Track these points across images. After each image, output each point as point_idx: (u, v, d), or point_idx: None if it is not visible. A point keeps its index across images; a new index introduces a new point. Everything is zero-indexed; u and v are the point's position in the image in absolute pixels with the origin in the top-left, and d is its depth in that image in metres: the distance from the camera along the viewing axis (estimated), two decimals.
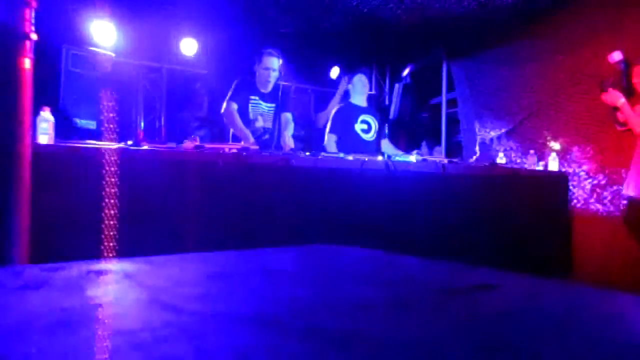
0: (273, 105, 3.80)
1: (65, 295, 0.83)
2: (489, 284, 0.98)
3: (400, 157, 3.33)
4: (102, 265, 1.10)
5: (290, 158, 2.76)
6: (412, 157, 3.31)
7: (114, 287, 0.93)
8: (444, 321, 0.72)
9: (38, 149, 2.02)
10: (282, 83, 3.99)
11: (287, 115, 3.85)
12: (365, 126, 4.10)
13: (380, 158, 3.22)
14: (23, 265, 1.77)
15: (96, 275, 0.99)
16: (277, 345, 0.59)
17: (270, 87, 3.78)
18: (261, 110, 3.76)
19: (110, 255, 1.96)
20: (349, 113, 4.07)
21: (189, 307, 0.76)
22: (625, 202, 3.59)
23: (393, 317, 0.74)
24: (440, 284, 0.99)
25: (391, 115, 6.32)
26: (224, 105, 3.68)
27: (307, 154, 2.97)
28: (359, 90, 4.16)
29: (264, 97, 3.78)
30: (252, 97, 3.73)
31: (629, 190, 3.50)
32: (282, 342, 0.60)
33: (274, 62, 3.72)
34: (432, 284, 1.01)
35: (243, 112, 3.69)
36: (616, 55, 3.53)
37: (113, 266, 1.10)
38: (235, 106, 3.65)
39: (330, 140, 4.02)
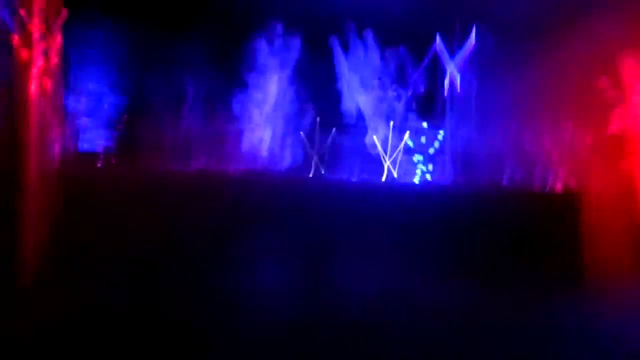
0: None
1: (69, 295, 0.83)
2: (490, 288, 0.98)
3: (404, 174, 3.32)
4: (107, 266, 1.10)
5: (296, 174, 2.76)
6: (416, 172, 3.32)
7: (115, 286, 0.93)
8: (445, 321, 0.72)
9: (64, 155, 2.01)
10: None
11: None
12: None
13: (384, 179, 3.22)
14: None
15: (97, 275, 0.99)
16: (275, 345, 0.59)
17: None
18: None
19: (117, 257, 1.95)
20: None
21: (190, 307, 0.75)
22: None
23: (393, 317, 0.74)
24: (443, 285, 0.99)
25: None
26: None
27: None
28: None
29: None
30: None
31: None
32: (281, 341, 0.60)
33: None
34: (434, 284, 1.01)
35: None
36: None
37: (116, 267, 1.10)
38: None
39: None
